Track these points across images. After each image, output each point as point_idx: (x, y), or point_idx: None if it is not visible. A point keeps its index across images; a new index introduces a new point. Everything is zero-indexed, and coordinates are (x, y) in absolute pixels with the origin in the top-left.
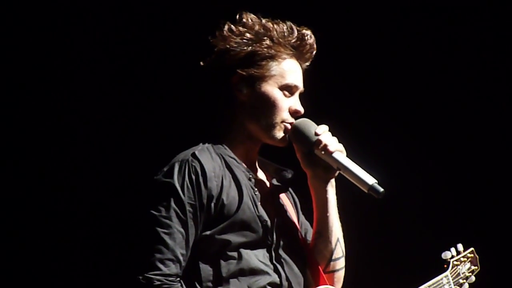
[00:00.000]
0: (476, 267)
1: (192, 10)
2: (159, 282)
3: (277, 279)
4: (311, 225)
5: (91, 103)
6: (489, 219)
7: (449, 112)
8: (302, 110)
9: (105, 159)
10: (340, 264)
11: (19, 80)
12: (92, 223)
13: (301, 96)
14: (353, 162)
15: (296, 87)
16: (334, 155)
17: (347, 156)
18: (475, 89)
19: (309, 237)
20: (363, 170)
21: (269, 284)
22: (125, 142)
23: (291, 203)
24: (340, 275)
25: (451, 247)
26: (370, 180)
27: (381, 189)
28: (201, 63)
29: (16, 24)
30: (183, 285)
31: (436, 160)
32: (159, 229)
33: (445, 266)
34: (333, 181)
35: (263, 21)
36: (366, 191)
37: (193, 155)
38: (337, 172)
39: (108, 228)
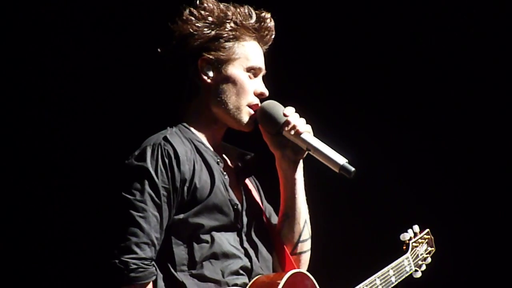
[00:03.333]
0: (432, 248)
1: None
2: (135, 266)
3: (248, 263)
4: (274, 209)
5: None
6: (445, 200)
7: (414, 88)
8: (267, 92)
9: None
10: (307, 246)
11: (18, 80)
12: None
13: (264, 79)
14: (322, 143)
15: (260, 69)
16: (303, 135)
17: (314, 136)
18: (439, 61)
19: (274, 220)
20: (333, 150)
21: (241, 268)
22: (92, 128)
23: (254, 187)
24: (306, 257)
25: (408, 228)
26: (341, 160)
27: (352, 169)
28: (159, 48)
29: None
30: (157, 269)
31: (403, 138)
32: (134, 212)
33: (404, 247)
34: (301, 162)
35: (222, 5)
36: (337, 171)
37: (165, 138)
38: (306, 153)
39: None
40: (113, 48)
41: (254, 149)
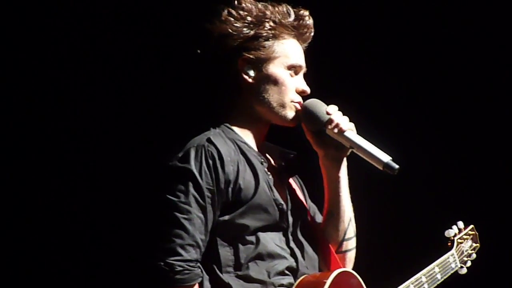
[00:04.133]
0: (477, 244)
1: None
2: (180, 268)
3: (294, 263)
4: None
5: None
6: (490, 197)
7: (458, 89)
8: (308, 89)
9: (116, 146)
10: (352, 243)
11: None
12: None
13: (306, 76)
14: (366, 140)
15: (300, 67)
16: (346, 133)
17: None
18: (485, 67)
19: (318, 219)
20: (376, 148)
21: (286, 268)
22: (135, 129)
23: (298, 186)
24: (351, 255)
25: (452, 224)
26: (385, 157)
27: (396, 166)
28: (198, 49)
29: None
30: (203, 270)
31: (444, 136)
32: (178, 214)
33: (449, 244)
34: (345, 160)
35: (260, 4)
36: (381, 168)
37: (209, 140)
38: (349, 150)
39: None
40: (152, 49)
41: (297, 147)
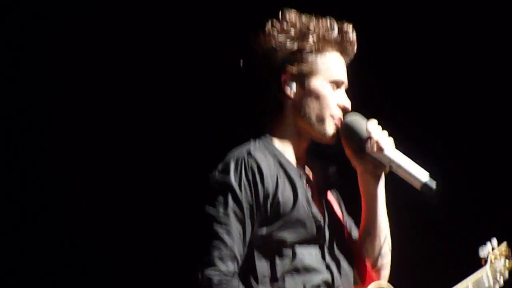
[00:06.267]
0: (511, 262)
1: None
2: (218, 280)
3: (329, 278)
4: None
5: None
6: None
7: (498, 110)
8: (349, 105)
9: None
10: (387, 260)
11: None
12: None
13: (347, 92)
14: (405, 157)
15: (342, 82)
16: (386, 152)
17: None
18: None
19: (354, 233)
20: (415, 166)
21: (322, 282)
22: (175, 138)
23: (335, 199)
24: (386, 272)
25: (486, 241)
26: (424, 176)
27: (434, 186)
28: (241, 61)
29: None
30: (241, 283)
31: (483, 158)
32: (217, 226)
33: (483, 261)
34: (383, 176)
35: (303, 17)
36: (418, 188)
37: (249, 153)
38: (388, 167)
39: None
40: (195, 59)
41: (336, 160)
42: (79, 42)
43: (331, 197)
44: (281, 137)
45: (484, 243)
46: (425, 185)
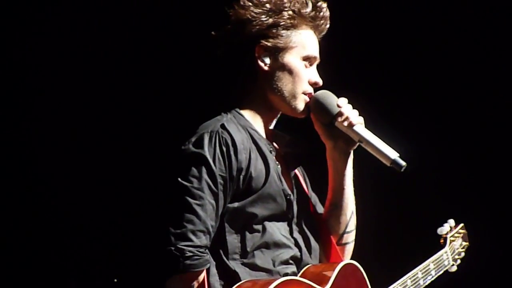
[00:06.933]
0: (467, 243)
1: None
2: (190, 253)
3: (298, 253)
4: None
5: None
6: (483, 196)
7: (468, 85)
8: (321, 81)
9: (130, 128)
10: (352, 236)
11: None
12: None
13: (319, 68)
14: (374, 135)
15: (315, 58)
16: (356, 127)
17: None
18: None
19: (319, 209)
20: (385, 144)
21: (291, 257)
22: (146, 111)
23: (301, 174)
24: (350, 248)
25: (444, 222)
26: (393, 154)
27: (404, 163)
28: (213, 32)
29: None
30: (211, 257)
31: (449, 140)
32: (191, 200)
33: (441, 241)
34: (351, 153)
35: None
36: (388, 164)
37: (223, 126)
38: (358, 144)
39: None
40: (165, 30)
41: (303, 137)
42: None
43: (297, 171)
44: (251, 110)
45: (442, 224)
46: (394, 161)
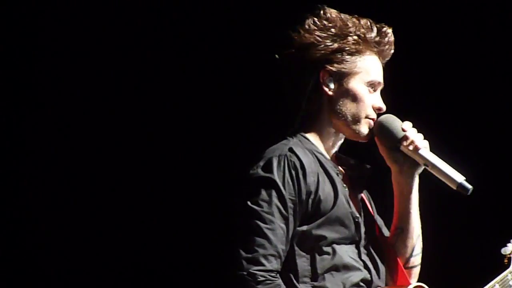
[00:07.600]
0: None
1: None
2: (263, 278)
3: (368, 275)
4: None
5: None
6: None
7: None
8: (384, 107)
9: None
10: (418, 260)
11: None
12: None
13: (382, 93)
14: (440, 159)
15: (379, 84)
16: (421, 151)
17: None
18: None
19: (385, 232)
20: (450, 167)
21: (361, 280)
22: (206, 136)
23: (366, 198)
24: (417, 271)
25: (507, 242)
26: (459, 177)
27: (470, 187)
28: (277, 55)
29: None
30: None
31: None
32: (261, 224)
33: (506, 261)
34: (417, 177)
35: (343, 16)
36: (454, 188)
37: (291, 149)
38: (423, 168)
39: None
40: (230, 52)
41: (369, 161)
42: (75, 41)
43: (363, 195)
44: (316, 134)
45: (506, 244)
46: (460, 185)
